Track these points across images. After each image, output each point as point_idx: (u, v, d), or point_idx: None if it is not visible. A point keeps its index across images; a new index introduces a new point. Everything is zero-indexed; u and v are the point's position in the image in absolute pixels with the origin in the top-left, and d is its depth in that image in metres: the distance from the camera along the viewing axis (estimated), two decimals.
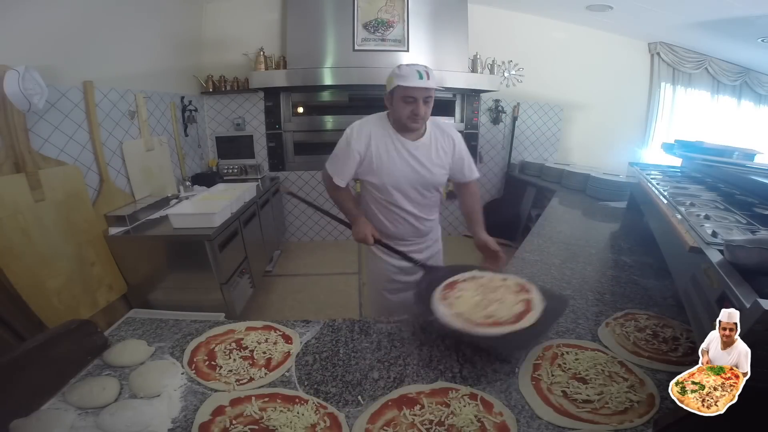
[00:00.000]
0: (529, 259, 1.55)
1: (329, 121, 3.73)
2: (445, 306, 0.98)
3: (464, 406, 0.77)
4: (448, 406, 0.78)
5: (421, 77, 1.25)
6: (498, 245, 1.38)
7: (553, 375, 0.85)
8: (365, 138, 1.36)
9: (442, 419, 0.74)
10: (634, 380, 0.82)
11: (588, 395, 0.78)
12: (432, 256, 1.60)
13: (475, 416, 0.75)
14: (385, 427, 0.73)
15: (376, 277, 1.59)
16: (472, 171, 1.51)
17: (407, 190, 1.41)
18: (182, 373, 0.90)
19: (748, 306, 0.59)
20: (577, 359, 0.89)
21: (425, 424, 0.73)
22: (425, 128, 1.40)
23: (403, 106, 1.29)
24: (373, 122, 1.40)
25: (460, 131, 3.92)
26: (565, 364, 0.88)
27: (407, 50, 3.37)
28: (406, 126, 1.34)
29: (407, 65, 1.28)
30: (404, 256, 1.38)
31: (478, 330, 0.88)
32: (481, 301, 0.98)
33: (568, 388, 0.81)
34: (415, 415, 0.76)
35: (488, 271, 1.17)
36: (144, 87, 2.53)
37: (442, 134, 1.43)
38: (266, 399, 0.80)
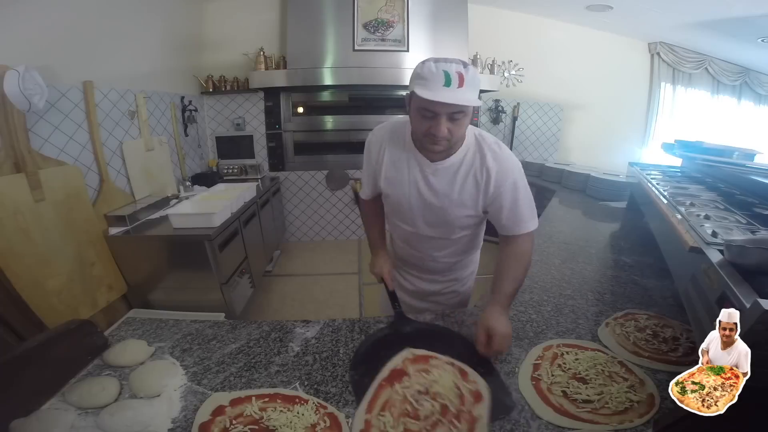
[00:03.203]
0: None
1: (329, 121, 3.73)
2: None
3: (444, 372, 0.83)
4: (428, 372, 0.84)
5: (448, 84, 0.85)
6: (508, 335, 0.90)
7: (553, 375, 0.85)
8: (379, 145, 1.10)
9: (427, 388, 0.80)
10: (634, 380, 0.82)
11: (588, 395, 0.78)
12: (443, 293, 1.31)
13: (454, 383, 0.81)
14: (381, 413, 0.75)
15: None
16: (517, 222, 1.01)
17: (413, 219, 1.12)
18: (183, 374, 0.90)
19: (748, 306, 0.59)
20: (577, 359, 0.89)
21: (414, 396, 0.78)
22: (460, 146, 1.01)
23: (419, 120, 0.93)
24: (390, 129, 1.10)
25: None
26: (565, 364, 0.88)
27: (407, 50, 3.37)
28: (423, 146, 1.00)
29: (435, 62, 0.86)
30: (391, 297, 1.16)
31: None
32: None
33: (568, 388, 0.81)
34: (405, 387, 0.80)
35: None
36: (144, 87, 2.53)
37: (480, 160, 1.00)
38: (266, 399, 0.80)
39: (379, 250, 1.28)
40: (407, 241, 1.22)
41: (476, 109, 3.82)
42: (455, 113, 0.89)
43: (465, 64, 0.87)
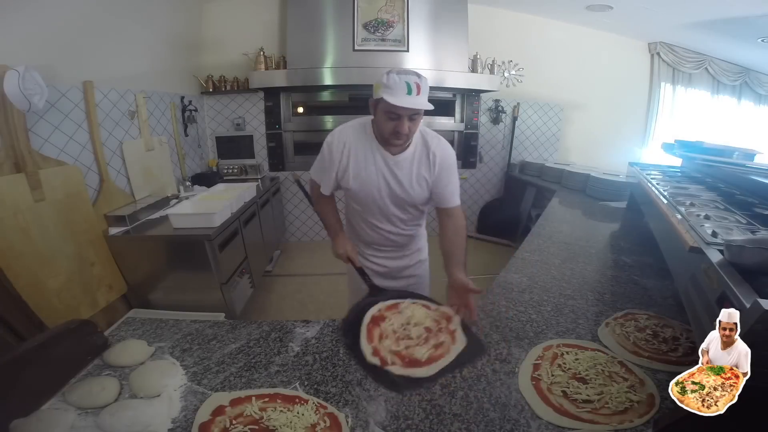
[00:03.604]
0: (530, 259, 1.55)
1: (329, 121, 3.73)
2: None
3: (414, 308, 1.06)
4: (401, 313, 1.05)
5: (409, 92, 1.09)
6: (475, 288, 1.06)
7: (553, 375, 0.85)
8: (343, 145, 1.27)
9: (408, 320, 1.01)
10: (634, 380, 0.83)
11: (588, 395, 0.78)
12: (412, 265, 1.51)
13: (426, 313, 1.05)
14: (381, 339, 0.95)
15: (353, 276, 1.49)
16: (453, 194, 1.29)
17: (383, 205, 1.32)
18: (183, 374, 0.90)
19: (748, 306, 0.59)
20: (577, 359, 0.89)
21: (400, 328, 0.99)
22: (410, 141, 1.26)
23: (385, 121, 1.16)
24: (353, 128, 1.30)
25: (460, 131, 3.95)
26: (565, 364, 0.88)
27: (407, 50, 3.37)
28: (388, 142, 1.22)
29: (397, 74, 1.10)
30: (361, 273, 1.33)
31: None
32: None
33: (568, 388, 0.81)
34: (390, 324, 1.00)
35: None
36: (144, 87, 2.53)
37: (426, 149, 1.27)
38: (266, 399, 0.80)
39: (338, 232, 1.46)
40: (375, 224, 1.39)
41: (476, 110, 3.86)
42: (414, 115, 1.15)
43: (419, 76, 1.13)
